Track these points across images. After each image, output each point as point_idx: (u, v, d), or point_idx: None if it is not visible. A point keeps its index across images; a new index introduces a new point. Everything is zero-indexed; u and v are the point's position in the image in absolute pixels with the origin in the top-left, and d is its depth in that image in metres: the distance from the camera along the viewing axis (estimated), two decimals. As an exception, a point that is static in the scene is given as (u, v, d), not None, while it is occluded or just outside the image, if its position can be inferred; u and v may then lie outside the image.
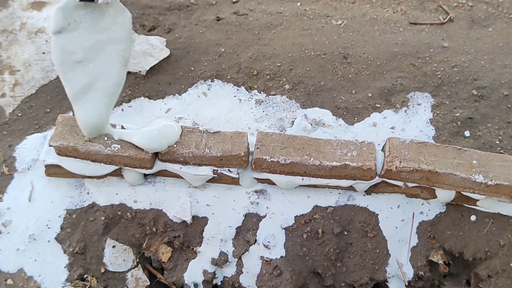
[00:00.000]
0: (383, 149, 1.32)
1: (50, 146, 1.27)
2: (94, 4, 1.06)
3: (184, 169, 1.30)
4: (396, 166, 1.24)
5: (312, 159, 1.25)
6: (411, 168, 1.23)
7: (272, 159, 1.25)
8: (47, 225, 1.30)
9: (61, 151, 1.27)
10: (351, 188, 1.35)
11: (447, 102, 1.53)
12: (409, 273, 1.31)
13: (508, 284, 1.25)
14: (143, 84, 1.57)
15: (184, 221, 1.33)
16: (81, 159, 1.29)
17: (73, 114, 1.48)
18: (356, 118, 1.50)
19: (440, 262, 1.31)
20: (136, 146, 1.26)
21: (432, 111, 1.51)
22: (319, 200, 1.36)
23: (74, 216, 1.32)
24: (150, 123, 1.29)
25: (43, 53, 1.62)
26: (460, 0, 1.86)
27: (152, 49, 1.65)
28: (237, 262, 1.31)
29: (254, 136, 1.32)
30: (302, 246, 1.31)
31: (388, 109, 1.51)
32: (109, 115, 1.19)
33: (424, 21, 1.79)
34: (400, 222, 1.34)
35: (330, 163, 1.25)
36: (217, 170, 1.32)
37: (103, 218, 1.32)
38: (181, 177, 1.35)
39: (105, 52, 1.12)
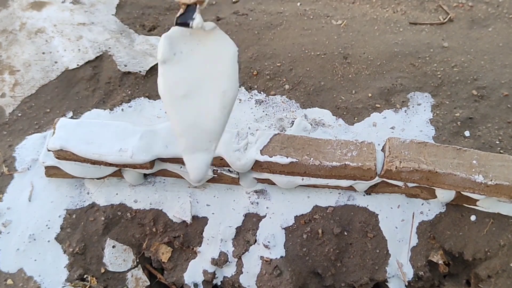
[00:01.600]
0: (383, 149, 1.32)
1: (48, 150, 1.27)
2: (192, 30, 0.96)
3: (184, 169, 1.30)
4: (396, 166, 1.24)
5: (312, 159, 1.25)
6: (411, 168, 1.23)
7: (272, 159, 1.25)
8: (47, 225, 1.30)
9: (60, 155, 1.27)
10: (351, 188, 1.35)
11: (447, 102, 1.53)
12: (409, 273, 1.31)
13: (508, 284, 1.25)
14: (143, 84, 1.57)
15: (184, 221, 1.33)
16: (80, 162, 1.28)
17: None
18: (356, 118, 1.50)
19: (440, 262, 1.31)
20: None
21: (432, 111, 1.51)
22: (319, 200, 1.36)
23: (74, 216, 1.32)
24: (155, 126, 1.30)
25: (43, 53, 1.61)
26: (460, 0, 1.86)
27: (152, 49, 1.65)
28: (237, 262, 1.31)
29: (254, 136, 1.32)
30: (302, 246, 1.31)
31: (388, 109, 1.51)
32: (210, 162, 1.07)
33: (424, 21, 1.79)
34: (400, 222, 1.34)
35: (330, 163, 1.25)
36: (217, 170, 1.32)
37: (103, 218, 1.32)
38: (181, 177, 1.35)
39: (204, 89, 1.00)
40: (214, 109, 1.00)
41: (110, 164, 1.28)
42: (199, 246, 1.33)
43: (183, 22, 0.94)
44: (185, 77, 0.99)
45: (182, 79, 0.98)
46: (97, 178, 1.36)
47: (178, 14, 0.94)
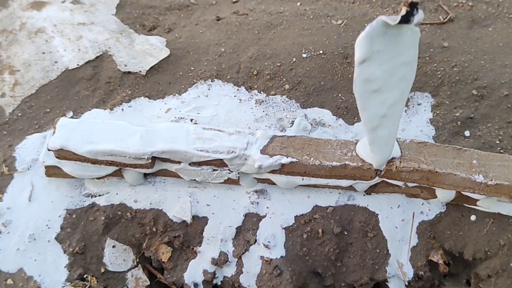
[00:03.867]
0: (383, 149, 1.32)
1: (49, 150, 1.27)
2: (406, 26, 0.99)
3: (184, 166, 1.30)
4: (396, 166, 1.24)
5: (312, 159, 1.25)
6: (411, 168, 1.23)
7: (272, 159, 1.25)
8: (47, 225, 1.30)
9: (60, 155, 1.27)
10: (351, 188, 1.35)
11: (447, 102, 1.53)
12: (409, 273, 1.31)
13: (508, 284, 1.25)
14: (143, 84, 1.57)
15: (184, 221, 1.33)
16: (80, 161, 1.28)
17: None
18: (356, 118, 1.50)
19: (440, 262, 1.31)
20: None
21: (432, 111, 1.51)
22: (319, 200, 1.36)
23: (74, 216, 1.32)
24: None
25: (43, 53, 1.62)
26: (460, 0, 1.86)
27: (152, 49, 1.65)
28: (237, 262, 1.31)
29: (254, 136, 1.32)
30: (302, 246, 1.31)
31: (388, 109, 1.51)
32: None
33: (424, 21, 1.79)
34: (400, 222, 1.34)
35: (330, 163, 1.25)
36: (217, 170, 1.32)
37: (103, 218, 1.32)
38: (181, 177, 1.35)
39: (397, 76, 1.06)
40: (401, 96, 1.09)
41: (110, 164, 1.28)
42: (199, 246, 1.33)
43: (406, 19, 0.95)
44: (379, 73, 1.04)
45: (377, 74, 1.03)
46: (97, 178, 1.36)
47: (403, 13, 0.95)
